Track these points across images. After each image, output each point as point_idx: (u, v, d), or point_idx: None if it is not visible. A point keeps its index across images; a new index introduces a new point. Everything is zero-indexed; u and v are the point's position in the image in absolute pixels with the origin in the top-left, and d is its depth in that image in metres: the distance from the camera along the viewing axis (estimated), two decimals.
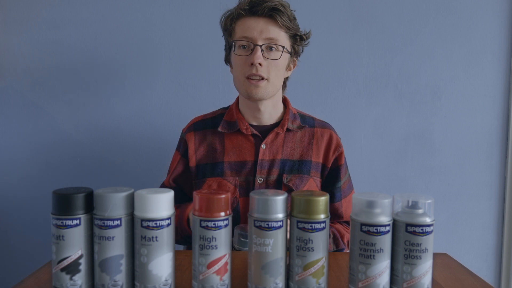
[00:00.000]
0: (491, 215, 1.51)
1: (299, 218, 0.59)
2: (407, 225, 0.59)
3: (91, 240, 0.61)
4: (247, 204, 1.03)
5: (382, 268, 0.59)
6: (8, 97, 1.46)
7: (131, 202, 0.61)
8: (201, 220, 0.59)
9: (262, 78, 0.99)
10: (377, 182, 1.49)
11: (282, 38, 1.00)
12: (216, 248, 0.59)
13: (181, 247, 1.19)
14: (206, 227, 0.59)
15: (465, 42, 1.46)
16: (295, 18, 1.03)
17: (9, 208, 1.48)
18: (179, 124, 1.15)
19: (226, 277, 0.61)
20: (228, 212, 0.60)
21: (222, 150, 1.06)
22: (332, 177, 1.10)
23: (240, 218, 1.03)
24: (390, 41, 1.46)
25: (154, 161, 1.45)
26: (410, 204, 0.61)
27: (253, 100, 1.02)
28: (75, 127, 1.46)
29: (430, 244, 0.59)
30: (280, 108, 1.10)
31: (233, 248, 0.86)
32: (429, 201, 0.60)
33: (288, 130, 1.07)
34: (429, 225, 0.59)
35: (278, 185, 1.04)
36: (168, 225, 0.60)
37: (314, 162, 1.07)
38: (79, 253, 0.59)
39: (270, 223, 0.59)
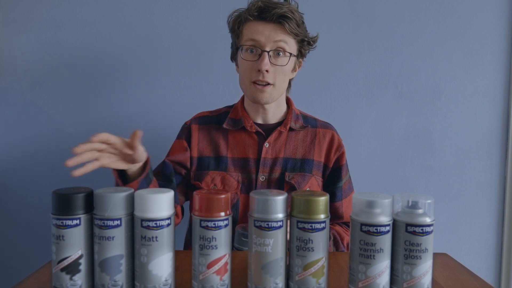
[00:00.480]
0: (491, 215, 1.51)
1: (299, 218, 0.59)
2: (407, 225, 0.59)
3: (91, 240, 0.61)
4: (247, 201, 1.03)
5: (382, 268, 0.59)
6: (8, 97, 1.46)
7: (131, 202, 0.61)
8: (201, 220, 0.59)
9: (268, 83, 0.99)
10: (377, 182, 1.49)
11: (290, 44, 1.00)
12: (216, 248, 0.59)
13: (181, 247, 1.19)
14: (206, 227, 0.59)
15: (465, 42, 1.46)
16: (303, 22, 1.03)
17: (9, 208, 1.48)
18: (179, 124, 1.15)
19: (226, 277, 0.61)
20: (228, 212, 0.60)
21: (226, 146, 1.07)
22: (334, 177, 1.10)
23: (238, 215, 1.03)
24: (390, 41, 1.46)
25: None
26: (410, 204, 0.61)
27: (259, 104, 1.04)
28: (75, 127, 1.46)
29: (430, 244, 0.59)
30: (283, 107, 1.11)
31: (234, 248, 0.86)
32: (429, 201, 0.60)
33: (291, 129, 1.09)
34: (429, 225, 0.59)
35: (280, 183, 1.04)
36: (168, 225, 0.60)
37: (316, 161, 1.08)
38: (79, 253, 0.59)
39: (270, 223, 0.59)
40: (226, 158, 1.06)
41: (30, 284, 0.69)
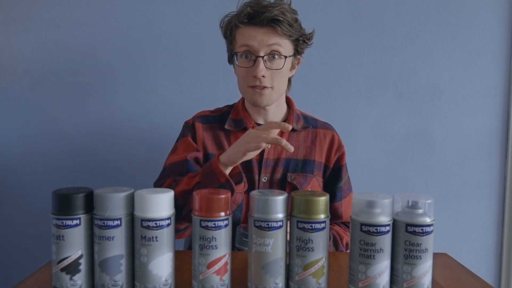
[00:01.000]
0: (491, 215, 1.51)
1: (299, 218, 0.59)
2: (407, 225, 0.59)
3: (91, 240, 0.61)
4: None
5: (382, 268, 0.59)
6: (8, 97, 1.46)
7: (131, 202, 0.61)
8: (201, 220, 0.59)
9: (266, 87, 0.99)
10: (377, 182, 1.49)
11: (285, 45, 0.99)
12: (216, 248, 0.59)
13: (181, 248, 1.19)
14: (206, 227, 0.59)
15: (465, 42, 1.46)
16: (296, 20, 1.00)
17: (9, 208, 1.48)
18: (179, 124, 1.15)
19: (226, 277, 0.61)
20: (228, 212, 0.60)
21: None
22: (334, 177, 1.10)
23: (242, 215, 1.03)
24: (390, 41, 1.46)
25: (154, 161, 1.45)
26: (410, 204, 0.61)
27: (259, 107, 1.04)
28: (75, 127, 1.46)
29: (430, 244, 0.59)
30: (284, 108, 1.11)
31: (235, 248, 0.86)
32: (429, 201, 0.60)
33: (292, 130, 1.08)
34: (429, 225, 0.59)
35: (283, 184, 1.04)
36: (168, 225, 0.60)
37: (317, 162, 1.08)
38: (79, 253, 0.59)
39: (270, 223, 0.59)
40: None
41: (30, 284, 0.69)
